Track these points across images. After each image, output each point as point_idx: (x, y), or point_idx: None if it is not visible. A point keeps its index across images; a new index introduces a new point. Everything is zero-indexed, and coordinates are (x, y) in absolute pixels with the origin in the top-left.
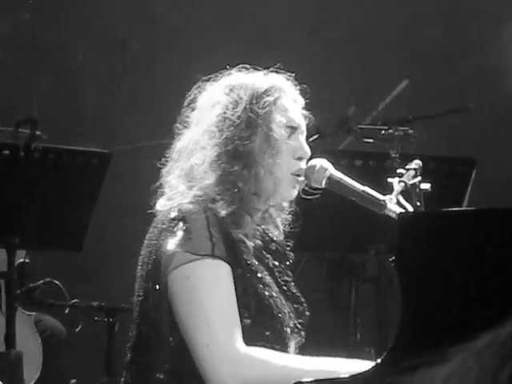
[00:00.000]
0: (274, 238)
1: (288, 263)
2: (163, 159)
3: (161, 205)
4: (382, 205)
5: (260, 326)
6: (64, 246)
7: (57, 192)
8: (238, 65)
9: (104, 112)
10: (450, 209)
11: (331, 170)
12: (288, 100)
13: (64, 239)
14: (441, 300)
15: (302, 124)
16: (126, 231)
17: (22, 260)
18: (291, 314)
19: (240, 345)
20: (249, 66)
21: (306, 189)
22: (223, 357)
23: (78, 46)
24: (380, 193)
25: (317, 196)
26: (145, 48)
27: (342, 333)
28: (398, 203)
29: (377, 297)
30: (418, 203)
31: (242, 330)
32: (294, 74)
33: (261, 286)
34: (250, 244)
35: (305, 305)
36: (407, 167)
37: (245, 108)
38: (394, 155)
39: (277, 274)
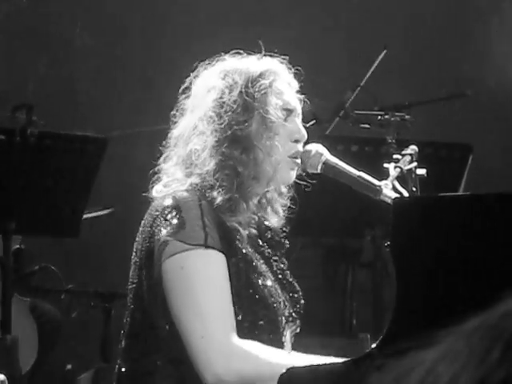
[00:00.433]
0: (270, 226)
1: (283, 251)
2: (160, 146)
3: (157, 191)
4: (378, 190)
5: (254, 315)
6: (60, 232)
7: (53, 177)
8: (233, 50)
9: (101, 97)
10: (444, 194)
11: (327, 155)
12: (283, 83)
13: (60, 225)
14: (433, 284)
15: (298, 107)
16: (122, 217)
17: (17, 246)
18: (286, 303)
19: (234, 337)
20: (242, 51)
21: (302, 174)
22: (217, 349)
23: (75, 30)
24: (376, 178)
25: (312, 182)
26: (143, 33)
27: (338, 318)
28: (394, 189)
29: (373, 282)
30: (414, 189)
31: (236, 321)
32: (287, 58)
33: (255, 275)
34: (245, 232)
35: (300, 293)
36: (403, 153)
37: (240, 92)
38: (390, 141)
39: (272, 262)
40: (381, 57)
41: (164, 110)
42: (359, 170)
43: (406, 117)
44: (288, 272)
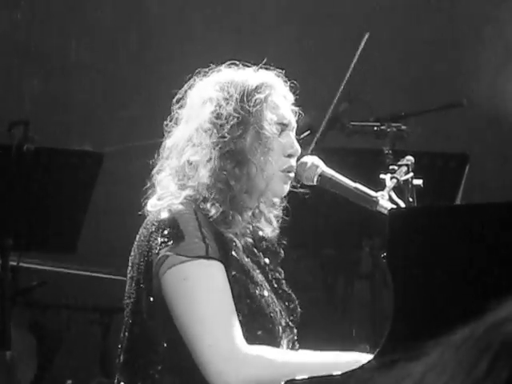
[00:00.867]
0: (265, 236)
1: (279, 261)
2: (154, 158)
3: (151, 205)
4: (374, 201)
5: (252, 325)
6: (58, 248)
7: (50, 193)
8: (229, 61)
9: (97, 112)
10: (440, 204)
11: (322, 167)
12: (278, 97)
13: (58, 240)
14: (431, 295)
15: (293, 120)
16: (119, 231)
17: (15, 263)
18: (283, 313)
19: (241, 343)
20: (238, 63)
21: (297, 185)
22: (226, 357)
23: (70, 46)
24: (372, 189)
25: (308, 192)
26: (137, 48)
27: (338, 329)
28: (391, 199)
29: (371, 293)
30: (411, 199)
31: None
32: (283, 71)
33: (252, 285)
34: (241, 243)
35: (296, 302)
36: (399, 163)
37: (236, 106)
38: (386, 151)
39: (268, 271)
40: (363, 42)
41: (160, 124)
42: (355, 182)
43: (402, 127)
44: (284, 281)
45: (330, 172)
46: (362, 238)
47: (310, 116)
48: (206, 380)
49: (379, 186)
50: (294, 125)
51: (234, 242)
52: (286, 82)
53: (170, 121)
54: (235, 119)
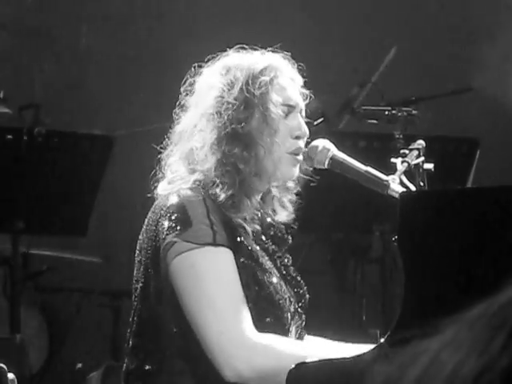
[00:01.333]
0: (273, 222)
1: (286, 247)
2: (164, 143)
3: (161, 188)
4: (385, 185)
5: (260, 312)
6: (68, 230)
7: (60, 176)
8: (238, 45)
9: (107, 96)
10: (450, 187)
11: (334, 150)
12: (285, 79)
13: (68, 223)
14: (440, 277)
15: (300, 103)
16: (129, 216)
17: (25, 250)
18: (291, 299)
19: (251, 331)
20: (247, 47)
21: (309, 169)
22: (236, 344)
23: (81, 29)
24: (383, 173)
25: (318, 178)
26: (148, 32)
27: (348, 314)
28: (401, 183)
29: (382, 277)
30: (422, 183)
31: None
32: (290, 53)
33: (261, 271)
34: (250, 229)
35: (305, 288)
36: (410, 147)
37: (241, 89)
38: (397, 136)
39: (276, 258)
40: (391, 55)
41: (171, 108)
42: (366, 165)
43: (413, 112)
44: (292, 268)
45: (341, 155)
46: (372, 222)
47: (320, 100)
48: (215, 366)
49: (390, 170)
50: (302, 107)
51: (243, 227)
52: (293, 64)
53: (180, 107)
54: (241, 102)
